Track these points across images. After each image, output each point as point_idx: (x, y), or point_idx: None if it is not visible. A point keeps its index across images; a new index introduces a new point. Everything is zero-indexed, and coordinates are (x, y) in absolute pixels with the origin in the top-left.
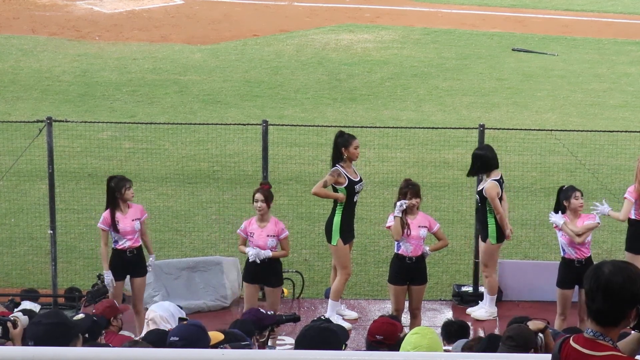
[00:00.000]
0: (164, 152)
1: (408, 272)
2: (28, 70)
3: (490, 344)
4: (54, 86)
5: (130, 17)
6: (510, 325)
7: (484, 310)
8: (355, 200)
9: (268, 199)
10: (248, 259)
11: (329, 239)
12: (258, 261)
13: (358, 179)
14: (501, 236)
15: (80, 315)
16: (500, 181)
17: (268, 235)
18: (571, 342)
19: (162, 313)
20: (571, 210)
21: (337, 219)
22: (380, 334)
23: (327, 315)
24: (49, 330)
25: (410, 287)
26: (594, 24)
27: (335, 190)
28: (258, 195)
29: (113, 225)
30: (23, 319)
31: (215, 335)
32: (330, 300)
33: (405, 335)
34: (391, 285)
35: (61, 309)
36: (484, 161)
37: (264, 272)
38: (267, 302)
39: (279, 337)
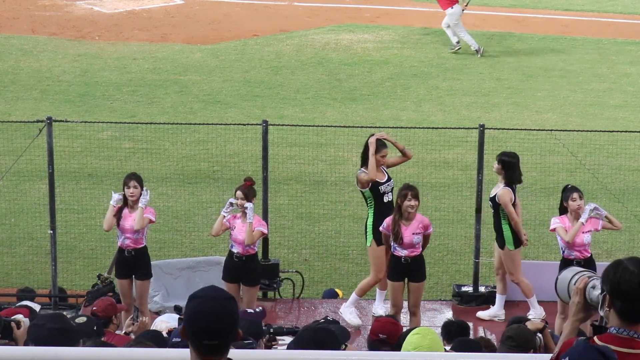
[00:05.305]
0: (164, 152)
1: (405, 270)
2: (28, 70)
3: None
4: (54, 86)
5: (130, 17)
6: (509, 325)
7: (533, 316)
8: (385, 200)
9: (248, 196)
10: (227, 257)
11: (366, 240)
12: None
13: (385, 179)
14: (518, 241)
15: (83, 318)
16: (513, 187)
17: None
18: (600, 342)
19: (174, 324)
20: (571, 212)
21: (369, 220)
22: (384, 333)
23: (345, 306)
24: (52, 334)
25: (408, 285)
26: (594, 24)
27: (362, 194)
28: (238, 193)
29: (117, 218)
30: (26, 320)
31: None
32: (353, 294)
33: (403, 333)
34: (389, 281)
35: (61, 308)
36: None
37: (241, 271)
38: (243, 300)
39: (278, 338)
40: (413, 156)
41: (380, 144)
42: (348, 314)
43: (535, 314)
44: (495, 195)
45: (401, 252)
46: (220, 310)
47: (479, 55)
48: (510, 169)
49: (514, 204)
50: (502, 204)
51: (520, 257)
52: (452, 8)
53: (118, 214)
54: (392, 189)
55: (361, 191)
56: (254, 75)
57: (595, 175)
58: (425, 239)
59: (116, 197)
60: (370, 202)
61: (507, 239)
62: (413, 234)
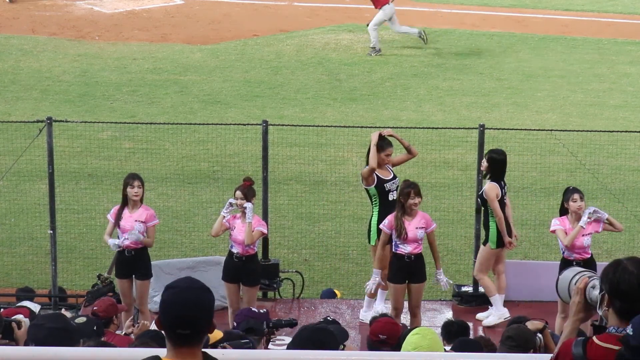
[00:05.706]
0: (164, 152)
1: (407, 270)
2: (28, 70)
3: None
4: (54, 86)
5: (130, 17)
6: (509, 325)
7: (493, 316)
8: (390, 199)
9: (248, 196)
10: (227, 257)
11: (368, 239)
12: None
13: (390, 177)
14: (501, 241)
15: (82, 319)
16: (501, 184)
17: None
18: (598, 342)
19: None
20: (571, 213)
21: (374, 219)
22: (384, 334)
23: (363, 311)
24: (51, 334)
25: (409, 286)
26: (594, 24)
27: (367, 192)
28: (238, 193)
29: (117, 219)
30: (26, 320)
31: (214, 334)
32: (366, 297)
33: (403, 333)
34: (390, 283)
35: (60, 308)
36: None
37: (241, 271)
38: (243, 300)
39: (278, 338)
40: (415, 158)
41: (386, 143)
42: (370, 317)
43: (492, 312)
44: (482, 192)
45: (404, 250)
46: (193, 300)
47: (424, 42)
48: (496, 165)
49: (503, 202)
50: (488, 199)
51: (494, 260)
52: (388, 5)
53: (118, 214)
54: (397, 187)
55: (366, 189)
56: (254, 75)
57: (596, 176)
58: (430, 241)
59: (114, 243)
60: (375, 201)
61: (492, 236)
62: (417, 228)
